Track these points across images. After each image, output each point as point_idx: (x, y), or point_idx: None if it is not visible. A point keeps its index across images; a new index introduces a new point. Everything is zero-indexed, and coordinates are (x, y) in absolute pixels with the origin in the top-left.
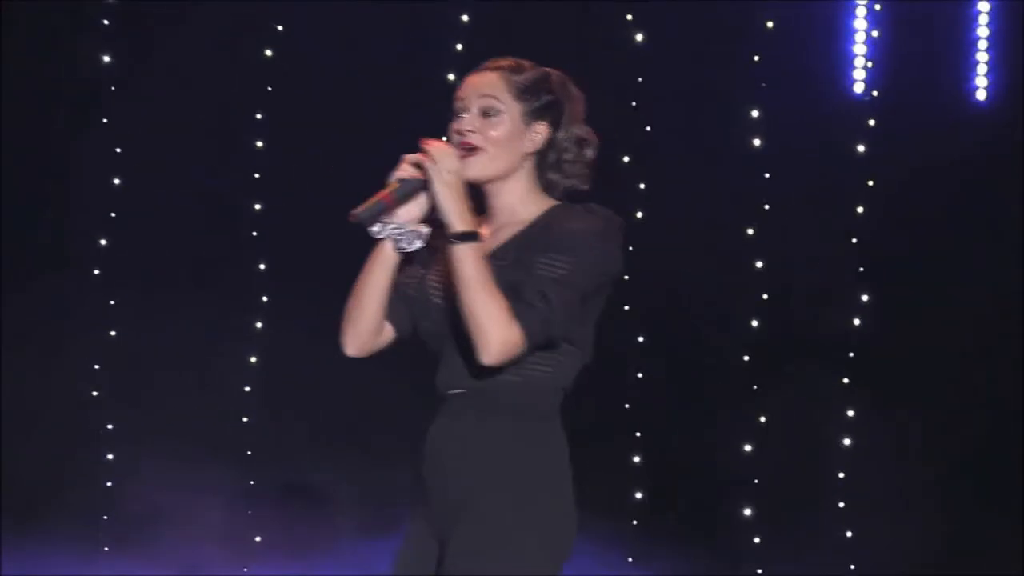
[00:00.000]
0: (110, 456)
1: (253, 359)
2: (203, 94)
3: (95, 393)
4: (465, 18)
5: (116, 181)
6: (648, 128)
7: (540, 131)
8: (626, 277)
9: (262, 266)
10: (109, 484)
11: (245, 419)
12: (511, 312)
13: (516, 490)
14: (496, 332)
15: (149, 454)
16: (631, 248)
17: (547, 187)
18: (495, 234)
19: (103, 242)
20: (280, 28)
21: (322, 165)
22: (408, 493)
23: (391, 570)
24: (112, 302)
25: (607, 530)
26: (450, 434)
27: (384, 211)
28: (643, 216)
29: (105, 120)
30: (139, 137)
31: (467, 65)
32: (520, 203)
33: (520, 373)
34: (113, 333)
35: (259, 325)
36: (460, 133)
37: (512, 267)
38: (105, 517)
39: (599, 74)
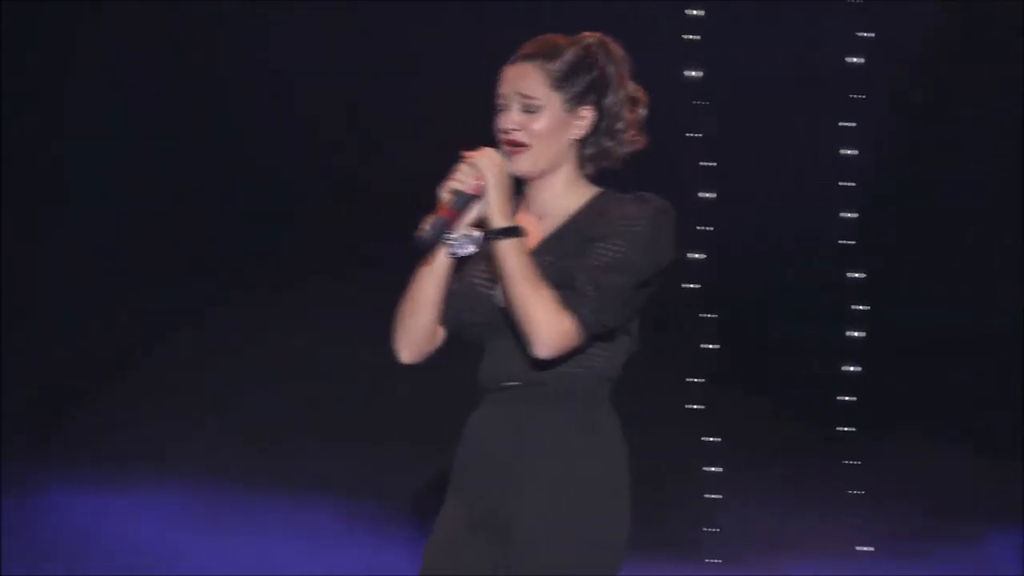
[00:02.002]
0: (714, 468)
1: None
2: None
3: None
4: None
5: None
6: None
7: (585, 115)
8: None
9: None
10: (715, 496)
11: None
12: (560, 302)
13: (576, 478)
14: (547, 324)
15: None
16: None
17: (603, 156)
18: (539, 224)
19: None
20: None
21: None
22: None
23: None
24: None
25: None
26: (504, 424)
27: (446, 227)
28: None
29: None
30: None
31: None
32: (563, 192)
33: (580, 363)
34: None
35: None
36: (504, 131)
37: (564, 258)
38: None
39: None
